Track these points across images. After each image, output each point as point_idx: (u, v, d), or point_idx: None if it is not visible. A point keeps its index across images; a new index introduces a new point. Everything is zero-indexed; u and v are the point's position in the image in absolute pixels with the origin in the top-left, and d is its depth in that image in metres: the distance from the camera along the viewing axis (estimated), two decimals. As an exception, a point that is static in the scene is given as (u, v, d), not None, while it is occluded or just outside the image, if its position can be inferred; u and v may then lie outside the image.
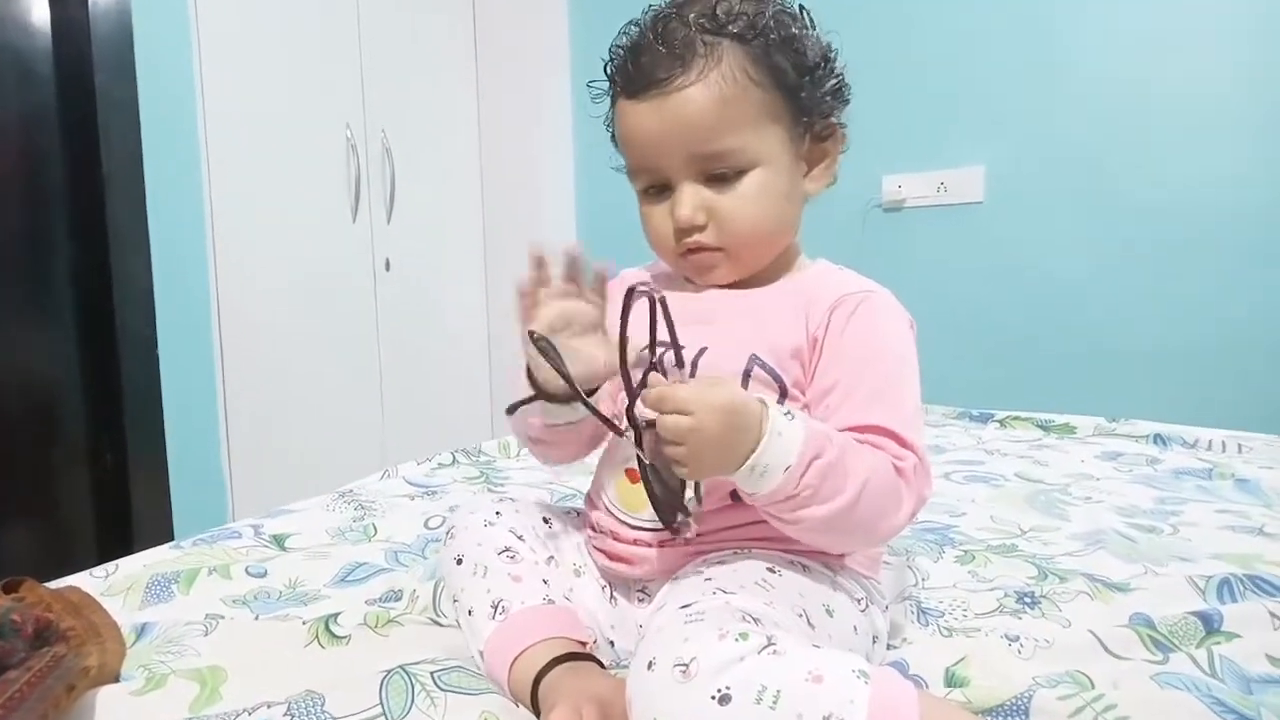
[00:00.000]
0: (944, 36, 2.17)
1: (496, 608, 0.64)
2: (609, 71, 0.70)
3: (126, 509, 1.70)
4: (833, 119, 0.71)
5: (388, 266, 2.27)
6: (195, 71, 1.77)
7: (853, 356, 0.65)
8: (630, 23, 0.70)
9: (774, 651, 0.48)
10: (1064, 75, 2.04)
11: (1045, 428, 1.55)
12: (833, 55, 0.70)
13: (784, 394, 0.66)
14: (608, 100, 0.72)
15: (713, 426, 0.55)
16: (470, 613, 0.65)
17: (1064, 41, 2.03)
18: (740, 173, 0.66)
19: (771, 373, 0.66)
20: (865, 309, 0.67)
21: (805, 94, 0.67)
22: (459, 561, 0.69)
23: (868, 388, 0.64)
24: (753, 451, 0.56)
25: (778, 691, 0.46)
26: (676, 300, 0.72)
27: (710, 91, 0.64)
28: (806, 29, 0.69)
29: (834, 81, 0.70)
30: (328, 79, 2.10)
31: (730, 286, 0.72)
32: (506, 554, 0.68)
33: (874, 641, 0.66)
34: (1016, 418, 1.60)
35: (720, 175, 0.66)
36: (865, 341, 0.66)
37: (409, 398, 2.34)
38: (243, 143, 1.86)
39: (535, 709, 0.58)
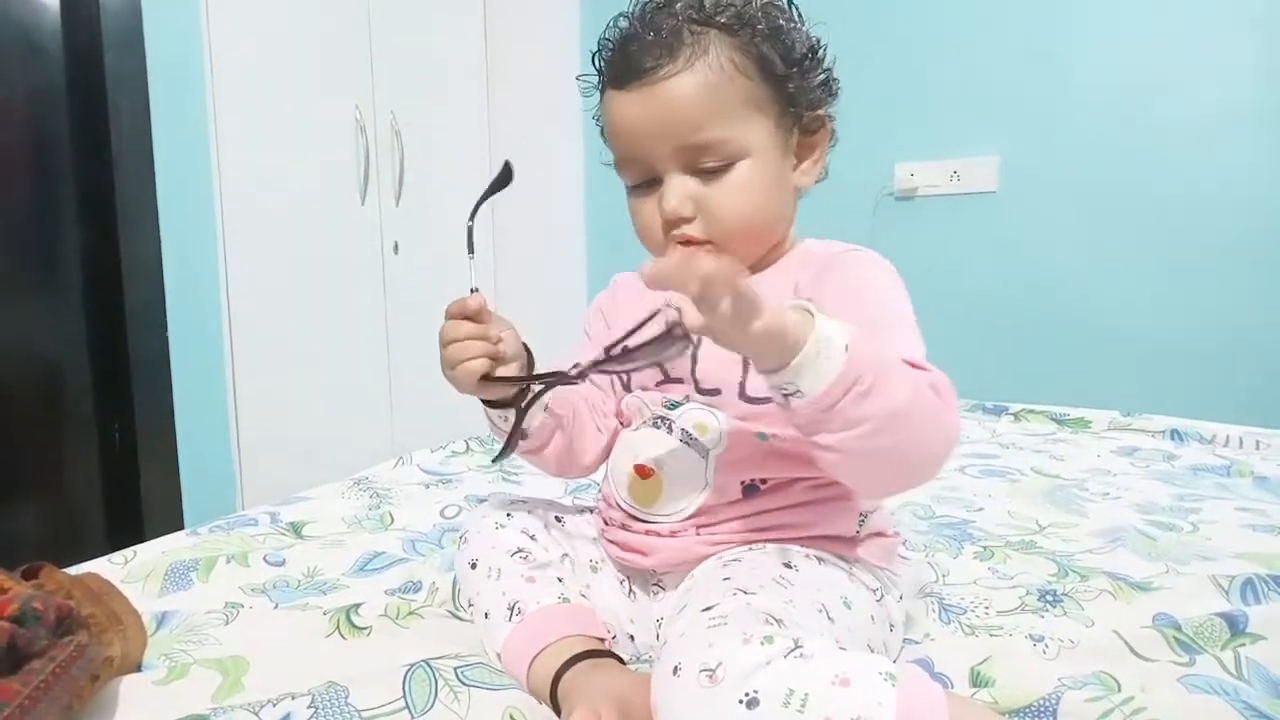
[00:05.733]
0: (960, 25, 2.15)
1: (512, 609, 0.64)
2: (597, 64, 0.70)
3: (136, 488, 1.70)
4: (821, 111, 0.70)
5: (396, 249, 2.25)
6: (204, 50, 1.75)
7: (842, 299, 0.63)
8: (619, 15, 0.69)
9: (800, 654, 0.48)
10: (1080, 67, 2.02)
11: (1060, 421, 1.54)
12: (821, 49, 0.70)
13: None
14: (598, 95, 0.71)
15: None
16: (487, 615, 0.66)
17: (1080, 33, 2.01)
18: (728, 164, 0.65)
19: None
20: (848, 260, 0.68)
21: (793, 85, 0.67)
22: (473, 565, 0.69)
23: (867, 324, 0.60)
24: (808, 325, 0.51)
25: (805, 695, 0.46)
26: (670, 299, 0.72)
27: (696, 79, 0.64)
28: (794, 22, 0.69)
29: (822, 75, 0.70)
30: (337, 59, 2.08)
31: None
32: (519, 555, 0.68)
33: (891, 630, 0.66)
34: (1031, 411, 1.59)
35: (708, 167, 0.65)
36: (850, 285, 0.65)
37: (417, 380, 2.33)
38: (252, 123, 1.85)
39: (556, 707, 0.58)
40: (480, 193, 0.66)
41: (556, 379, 0.63)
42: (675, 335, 0.51)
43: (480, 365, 0.63)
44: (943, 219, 2.21)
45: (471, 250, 0.67)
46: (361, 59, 2.13)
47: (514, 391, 0.66)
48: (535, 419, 0.70)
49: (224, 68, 1.78)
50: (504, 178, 0.66)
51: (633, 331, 0.57)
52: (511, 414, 0.68)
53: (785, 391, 0.53)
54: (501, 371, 0.66)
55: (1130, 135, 1.97)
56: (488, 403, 0.69)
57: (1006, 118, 2.12)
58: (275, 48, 1.91)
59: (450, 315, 0.65)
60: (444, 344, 0.65)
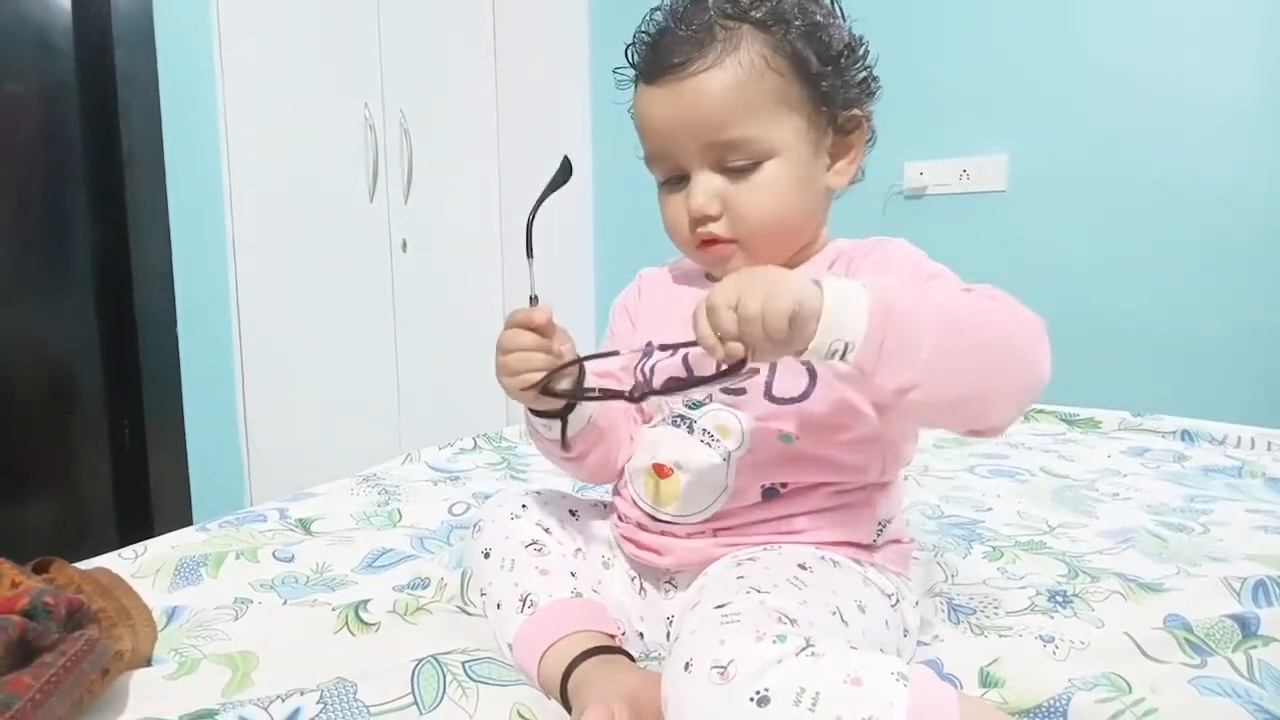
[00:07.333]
0: (970, 23, 2.14)
1: (525, 601, 0.64)
2: (630, 57, 0.69)
3: (145, 486, 1.71)
4: (857, 111, 0.69)
5: (404, 247, 2.26)
6: (215, 49, 1.75)
7: (876, 271, 0.65)
8: (654, 9, 0.68)
9: (812, 653, 0.47)
10: (1090, 65, 2.00)
11: (1070, 421, 1.53)
12: (861, 46, 0.69)
13: (815, 378, 0.65)
14: (631, 88, 0.71)
15: (753, 278, 0.53)
16: (499, 606, 0.66)
17: (1090, 31, 2.00)
18: (755, 163, 0.65)
19: (806, 361, 0.65)
20: (879, 243, 0.69)
21: (827, 83, 0.66)
22: (486, 555, 0.69)
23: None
24: (818, 290, 0.52)
25: (816, 693, 0.46)
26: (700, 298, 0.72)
27: (725, 76, 0.63)
28: (833, 18, 0.68)
29: (862, 74, 0.69)
30: (347, 58, 2.08)
31: None
32: (534, 547, 0.68)
33: (905, 635, 0.65)
34: (1040, 411, 1.58)
35: (735, 165, 0.65)
36: (885, 258, 0.67)
37: (425, 378, 2.34)
38: (262, 121, 1.85)
39: (565, 702, 0.58)
40: (540, 191, 0.65)
41: (614, 396, 0.62)
42: (744, 371, 0.53)
43: (539, 377, 0.64)
44: (952, 218, 2.20)
45: (531, 253, 0.66)
46: (371, 58, 2.14)
47: (564, 403, 0.66)
48: (580, 428, 0.69)
49: (234, 67, 1.78)
50: (563, 174, 0.66)
51: (700, 380, 0.58)
52: (556, 424, 0.68)
53: (837, 352, 0.52)
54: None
55: (1140, 134, 1.96)
56: (535, 411, 0.69)
57: (1016, 116, 2.11)
58: (285, 47, 1.92)
59: (514, 324, 0.65)
60: (503, 351, 0.65)
